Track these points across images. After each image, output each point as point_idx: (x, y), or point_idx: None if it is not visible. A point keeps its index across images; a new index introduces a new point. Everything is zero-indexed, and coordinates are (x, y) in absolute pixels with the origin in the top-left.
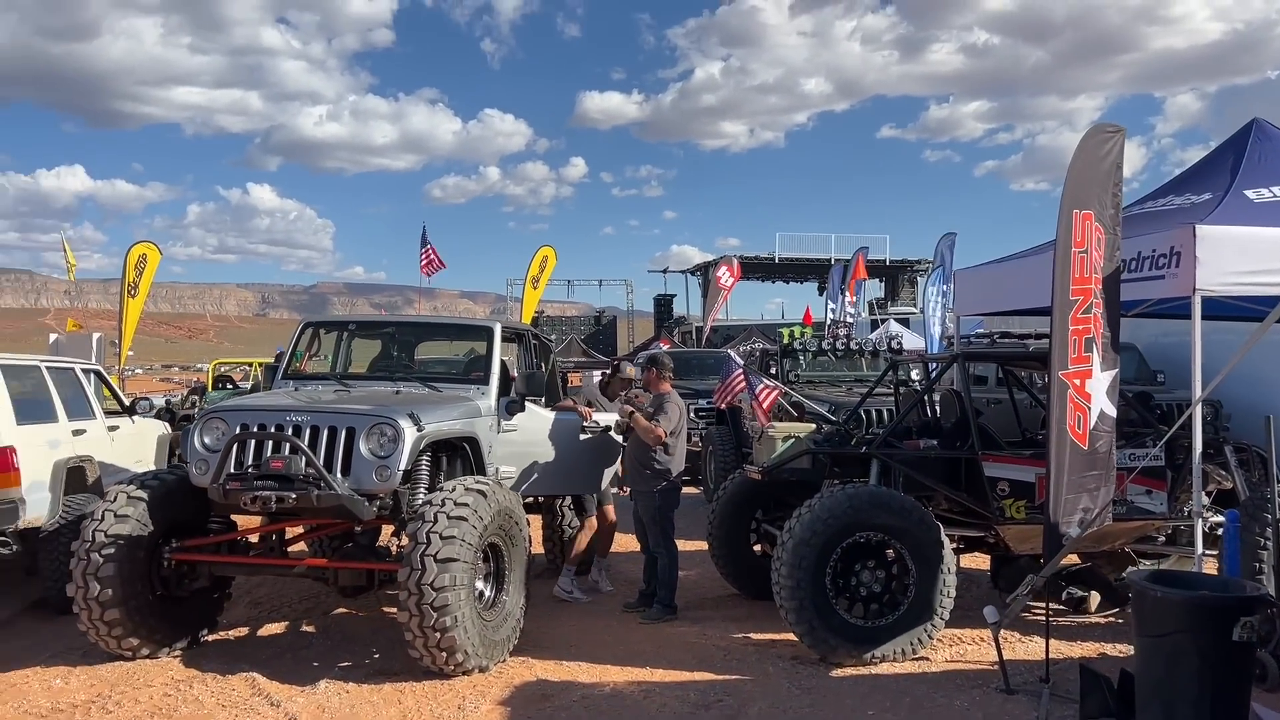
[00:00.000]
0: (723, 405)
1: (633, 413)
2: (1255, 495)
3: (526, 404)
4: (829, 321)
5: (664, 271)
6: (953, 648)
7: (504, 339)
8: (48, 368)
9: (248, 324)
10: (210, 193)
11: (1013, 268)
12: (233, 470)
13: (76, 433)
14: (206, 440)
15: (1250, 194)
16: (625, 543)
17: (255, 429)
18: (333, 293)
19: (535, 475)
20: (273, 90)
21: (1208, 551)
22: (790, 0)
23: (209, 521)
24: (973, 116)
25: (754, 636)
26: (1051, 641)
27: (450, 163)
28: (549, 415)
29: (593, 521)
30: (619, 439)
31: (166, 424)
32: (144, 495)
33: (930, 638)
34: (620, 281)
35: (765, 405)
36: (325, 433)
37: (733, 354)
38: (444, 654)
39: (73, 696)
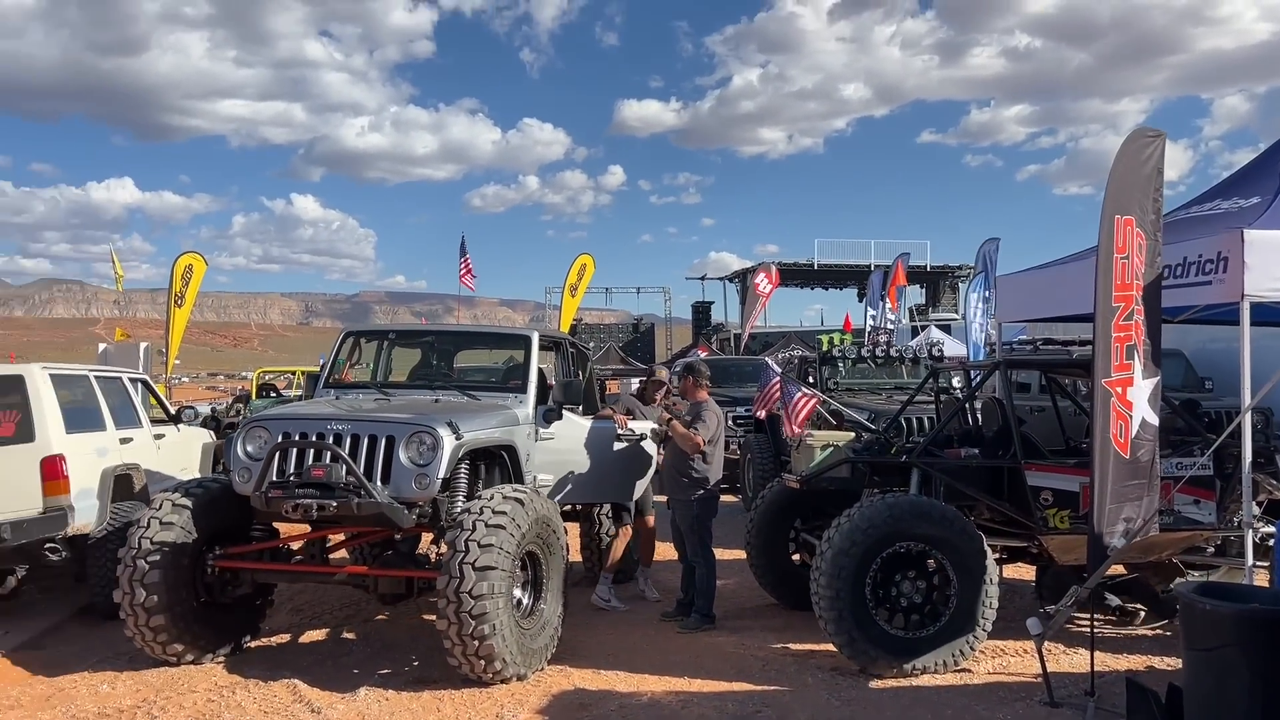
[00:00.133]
0: (761, 415)
1: (671, 420)
2: None
3: (564, 412)
4: (869, 328)
5: (702, 279)
6: (995, 659)
7: (541, 347)
8: (96, 377)
9: (292, 332)
10: (255, 203)
11: (1055, 274)
12: (275, 478)
13: (124, 441)
14: (249, 449)
15: None
16: (663, 551)
17: (297, 437)
18: (375, 301)
19: (572, 483)
20: (316, 102)
21: (1258, 563)
22: (829, 6)
23: (252, 529)
24: (1014, 120)
25: (793, 647)
26: (1097, 654)
27: (490, 172)
28: (586, 423)
29: (628, 529)
30: (653, 447)
31: (211, 432)
32: (188, 503)
33: (972, 649)
34: (658, 289)
35: (802, 415)
36: (365, 441)
37: (770, 362)
38: (482, 662)
39: (119, 701)
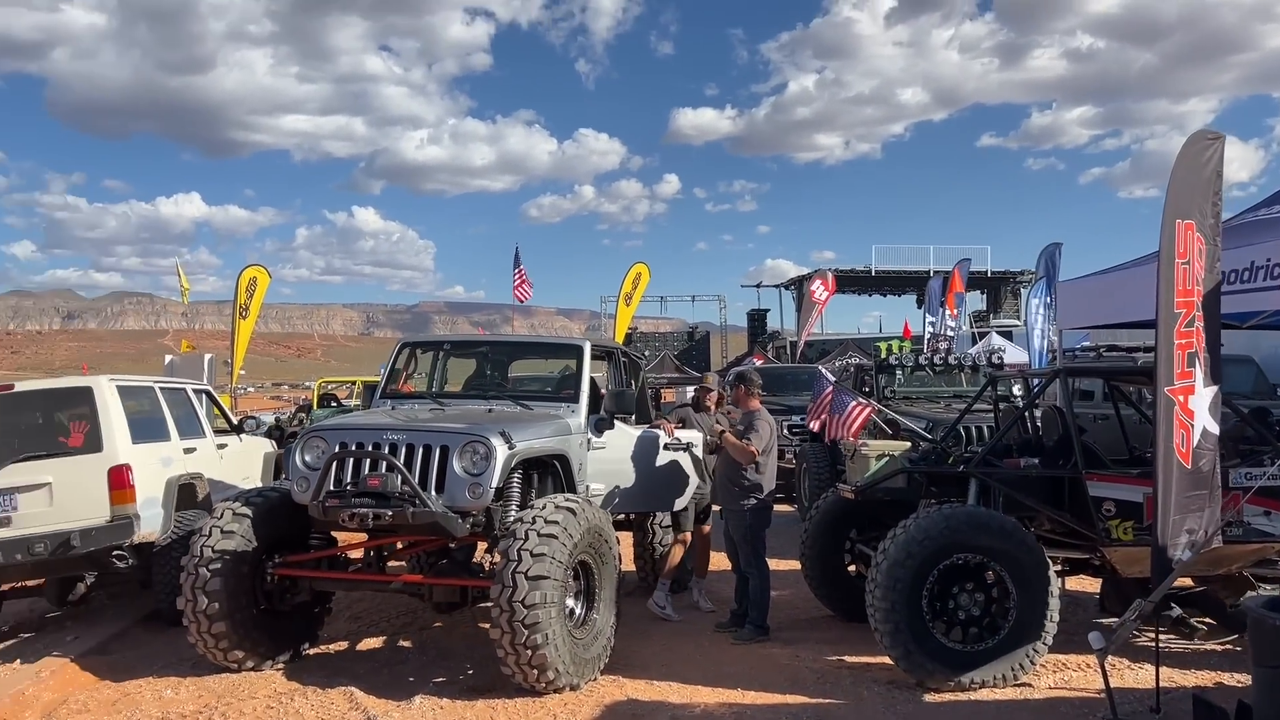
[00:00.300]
0: (815, 426)
1: (723, 432)
2: None
3: (615, 422)
4: (928, 335)
5: (757, 286)
6: (1057, 674)
7: (593, 357)
8: (161, 388)
9: (353, 343)
10: (317, 216)
11: (1117, 279)
12: (332, 488)
13: (187, 451)
14: (307, 458)
15: None
16: (717, 561)
17: (353, 447)
18: (434, 311)
19: (623, 493)
20: (376, 116)
21: None
22: (886, 10)
23: (310, 537)
24: (1077, 123)
25: (848, 659)
26: (1163, 669)
27: (546, 182)
28: (635, 433)
29: (686, 536)
30: (697, 457)
31: (273, 442)
32: (249, 512)
33: (1032, 663)
34: (713, 297)
35: (855, 425)
36: (420, 451)
37: (824, 370)
38: (535, 671)
39: (182, 707)
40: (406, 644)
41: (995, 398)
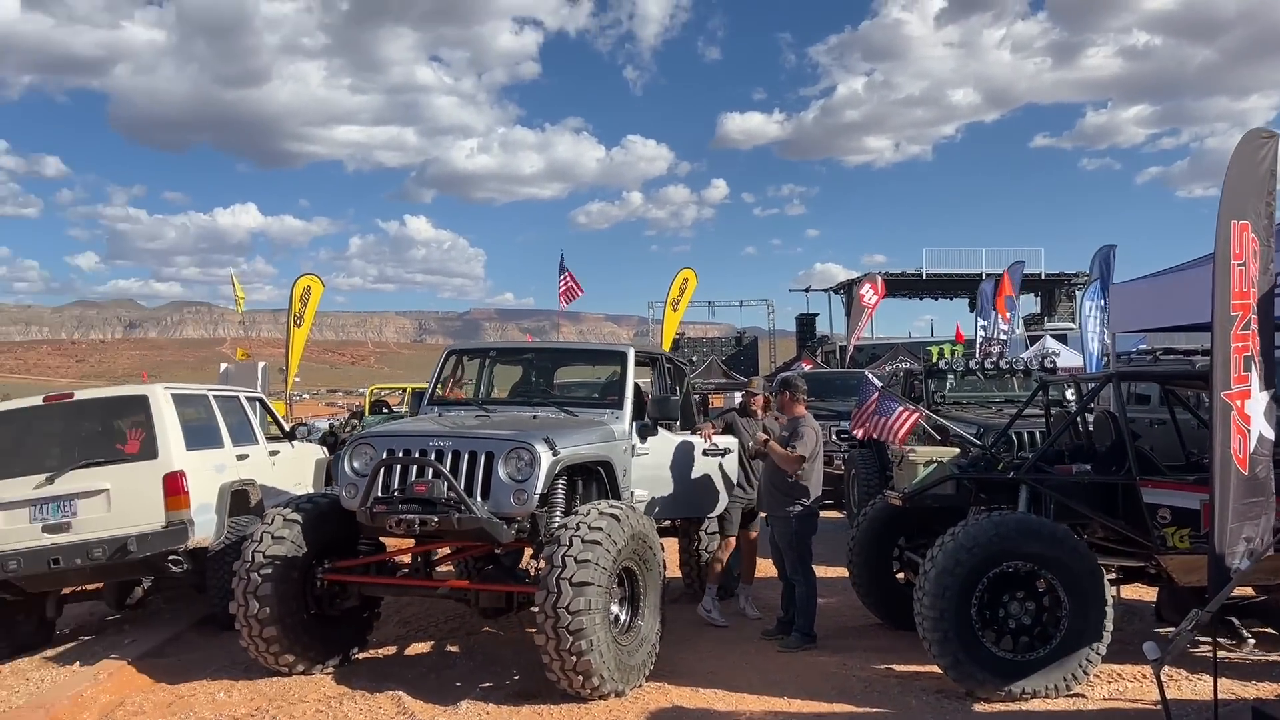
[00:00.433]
0: (859, 434)
1: (767, 440)
2: None
3: (659, 428)
4: (979, 339)
5: (806, 290)
6: (1111, 684)
7: (638, 363)
8: (215, 396)
9: (406, 350)
10: (370, 225)
11: (1171, 281)
12: (379, 494)
13: (240, 457)
14: (356, 465)
15: None
16: (763, 568)
17: (401, 454)
18: (484, 318)
19: (664, 499)
20: (427, 125)
21: None
22: (935, 11)
23: (359, 543)
24: (1133, 122)
25: (896, 668)
26: (1222, 680)
27: (594, 189)
28: (676, 439)
29: (732, 541)
30: (734, 462)
31: (325, 448)
32: (299, 518)
33: (1086, 673)
34: (761, 302)
35: (902, 431)
36: (466, 457)
37: (870, 375)
38: (580, 677)
39: (234, 710)
40: (454, 649)
41: (1047, 403)
